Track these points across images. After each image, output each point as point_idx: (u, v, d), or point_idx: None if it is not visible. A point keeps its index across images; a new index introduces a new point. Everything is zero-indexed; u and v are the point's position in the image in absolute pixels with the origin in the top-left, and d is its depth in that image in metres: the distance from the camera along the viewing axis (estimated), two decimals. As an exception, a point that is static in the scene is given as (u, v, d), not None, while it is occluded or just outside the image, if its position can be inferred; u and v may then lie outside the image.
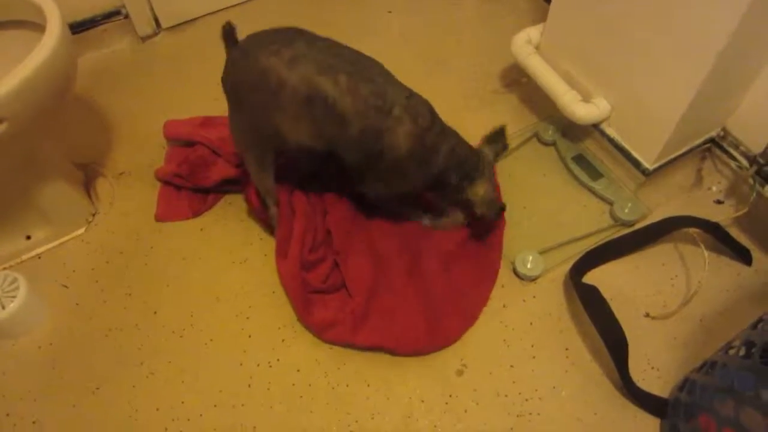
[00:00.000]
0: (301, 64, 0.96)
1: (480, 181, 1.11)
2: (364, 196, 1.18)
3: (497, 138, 1.18)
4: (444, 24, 1.74)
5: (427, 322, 1.10)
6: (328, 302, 1.14)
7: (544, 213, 1.30)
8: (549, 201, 1.32)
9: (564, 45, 1.33)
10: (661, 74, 1.11)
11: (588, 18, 1.23)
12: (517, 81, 1.55)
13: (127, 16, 1.61)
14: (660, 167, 1.25)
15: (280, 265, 1.16)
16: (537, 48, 1.40)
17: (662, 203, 1.30)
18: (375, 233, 1.21)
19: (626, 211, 1.26)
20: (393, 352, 1.09)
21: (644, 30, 1.10)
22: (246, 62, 1.00)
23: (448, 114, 1.47)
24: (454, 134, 1.11)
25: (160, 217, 1.29)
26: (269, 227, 1.24)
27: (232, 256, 1.23)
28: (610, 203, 1.29)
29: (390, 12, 1.78)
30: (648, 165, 1.24)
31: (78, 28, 1.56)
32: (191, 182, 1.29)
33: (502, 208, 1.17)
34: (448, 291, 1.14)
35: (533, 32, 1.39)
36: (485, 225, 1.22)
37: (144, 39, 1.67)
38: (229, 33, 1.03)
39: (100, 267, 1.23)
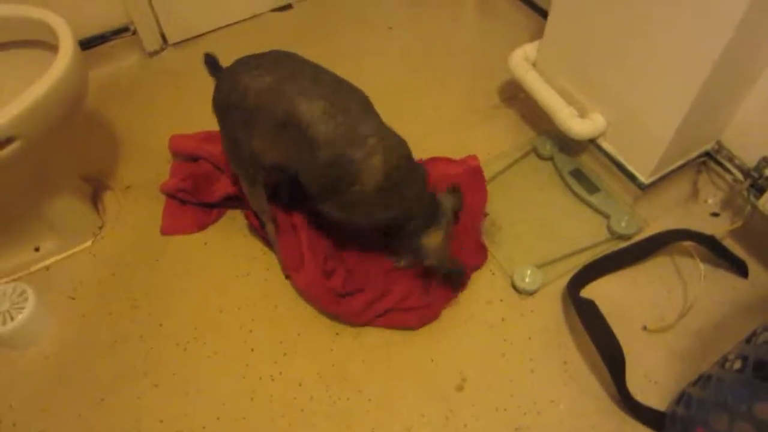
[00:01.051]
0: (281, 88, 0.99)
1: (435, 229, 1.11)
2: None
3: (455, 195, 1.19)
4: (444, 40, 1.77)
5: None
6: (351, 302, 1.16)
7: (541, 227, 1.31)
8: (546, 215, 1.33)
9: (560, 61, 1.36)
10: (655, 90, 1.14)
11: (583, 35, 1.25)
12: (516, 96, 1.57)
13: (135, 33, 1.64)
14: (656, 181, 1.27)
15: (297, 278, 1.19)
16: (534, 64, 1.42)
17: (659, 216, 1.31)
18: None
19: (623, 224, 1.28)
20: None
21: (638, 47, 1.13)
22: (230, 83, 1.04)
23: (447, 128, 1.52)
24: (422, 177, 1.11)
25: (165, 231, 1.31)
26: (269, 244, 1.27)
27: (236, 270, 1.26)
28: (607, 217, 1.30)
29: (390, 28, 1.81)
30: (644, 179, 1.26)
31: (87, 44, 1.59)
32: (195, 197, 1.31)
33: (460, 271, 1.16)
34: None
35: (530, 49, 1.42)
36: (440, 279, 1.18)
37: (151, 55, 1.70)
38: (211, 62, 1.09)
39: (107, 279, 1.25)
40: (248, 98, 1.01)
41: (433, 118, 1.55)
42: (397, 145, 1.05)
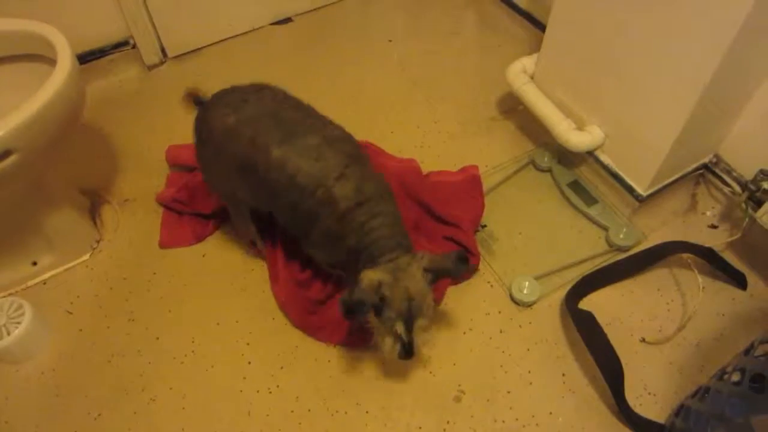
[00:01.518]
0: (240, 132, 1.00)
1: (376, 269, 0.94)
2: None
3: (450, 258, 0.98)
4: (443, 52, 1.78)
5: None
6: (327, 312, 1.17)
7: (540, 239, 1.31)
8: (545, 227, 1.33)
9: (557, 74, 1.36)
10: (652, 103, 1.14)
11: (580, 49, 1.26)
12: (514, 108, 1.58)
13: (134, 46, 1.65)
14: (654, 193, 1.27)
15: (275, 290, 1.21)
16: (532, 77, 1.43)
17: (657, 228, 1.31)
18: None
19: (621, 236, 1.27)
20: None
21: (634, 60, 1.13)
22: (203, 123, 1.06)
23: (446, 140, 1.52)
24: (384, 214, 0.99)
25: (163, 244, 1.31)
26: (261, 255, 1.28)
27: (233, 283, 1.25)
28: (606, 229, 1.30)
29: (390, 41, 1.82)
30: (642, 191, 1.26)
31: (87, 57, 1.60)
32: (190, 208, 1.32)
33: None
34: None
35: (528, 62, 1.42)
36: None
37: (151, 68, 1.71)
38: (193, 97, 1.10)
39: (104, 293, 1.25)
40: (213, 136, 1.03)
41: (432, 130, 1.55)
42: (348, 190, 0.97)
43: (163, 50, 1.71)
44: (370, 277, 0.93)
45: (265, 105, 1.02)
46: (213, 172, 1.12)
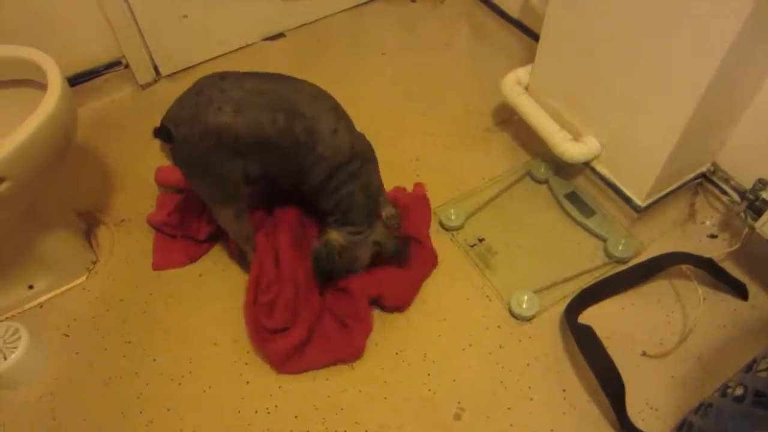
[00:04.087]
0: (245, 112, 1.02)
1: (341, 232, 1.16)
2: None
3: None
4: (436, 65, 1.78)
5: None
6: (279, 342, 1.15)
7: (538, 251, 1.30)
8: (543, 239, 1.32)
9: (552, 85, 1.36)
10: (648, 113, 1.14)
11: (574, 59, 1.25)
12: (509, 119, 1.57)
13: (127, 66, 1.65)
14: (652, 203, 1.26)
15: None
16: (526, 88, 1.42)
17: (656, 239, 1.30)
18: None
19: (620, 248, 1.26)
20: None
21: (629, 70, 1.13)
22: (198, 128, 1.01)
23: (441, 153, 1.52)
24: (367, 174, 1.15)
25: (156, 266, 1.30)
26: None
27: (230, 302, 1.24)
28: (604, 240, 1.30)
29: (383, 54, 1.82)
30: (640, 202, 1.25)
31: (80, 79, 1.60)
32: (182, 231, 1.31)
33: (400, 250, 1.21)
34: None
35: (522, 73, 1.42)
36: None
37: (144, 87, 1.71)
38: (164, 133, 1.05)
39: (101, 315, 1.24)
40: (225, 134, 1.02)
41: (426, 142, 1.55)
42: (344, 146, 1.10)
43: (156, 69, 1.71)
44: (334, 238, 1.16)
45: (245, 83, 1.05)
46: (227, 172, 1.08)
